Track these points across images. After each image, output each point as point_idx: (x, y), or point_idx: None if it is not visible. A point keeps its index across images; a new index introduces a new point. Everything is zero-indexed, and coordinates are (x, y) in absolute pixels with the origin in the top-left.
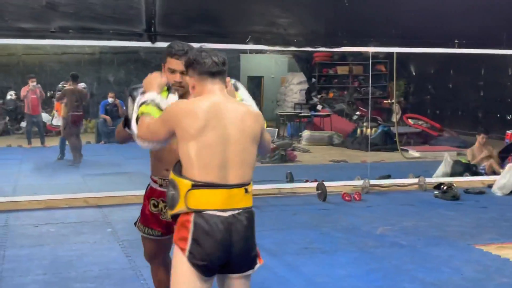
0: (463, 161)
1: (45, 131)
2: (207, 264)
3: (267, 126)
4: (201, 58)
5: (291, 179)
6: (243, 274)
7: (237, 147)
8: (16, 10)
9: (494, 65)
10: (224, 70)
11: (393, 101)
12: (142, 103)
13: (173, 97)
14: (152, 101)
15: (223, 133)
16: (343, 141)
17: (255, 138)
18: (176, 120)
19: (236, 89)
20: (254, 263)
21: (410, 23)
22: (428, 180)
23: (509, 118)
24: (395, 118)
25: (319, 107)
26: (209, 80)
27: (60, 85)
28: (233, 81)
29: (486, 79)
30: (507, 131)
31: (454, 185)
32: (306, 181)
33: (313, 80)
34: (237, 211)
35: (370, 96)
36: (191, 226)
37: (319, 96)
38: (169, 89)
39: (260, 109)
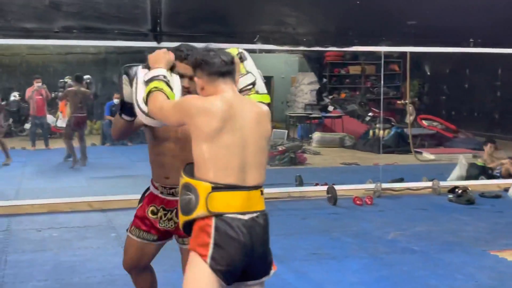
0: (479, 163)
1: (49, 133)
2: (231, 269)
3: (277, 128)
4: (209, 58)
5: (300, 183)
6: (259, 280)
7: (254, 149)
8: (19, 10)
9: (511, 64)
10: (233, 69)
11: (407, 101)
12: (152, 78)
13: (177, 78)
14: (163, 77)
15: (241, 134)
16: (354, 143)
17: (268, 138)
18: (190, 115)
19: (242, 59)
20: (270, 269)
21: (424, 21)
22: (442, 183)
23: None
24: (408, 119)
25: (330, 108)
26: (220, 80)
27: (61, 81)
28: (240, 49)
29: (503, 79)
30: None
31: (469, 188)
32: (316, 184)
33: (324, 80)
34: (255, 214)
35: (382, 97)
36: (212, 231)
37: (330, 97)
38: (172, 69)
39: (270, 110)
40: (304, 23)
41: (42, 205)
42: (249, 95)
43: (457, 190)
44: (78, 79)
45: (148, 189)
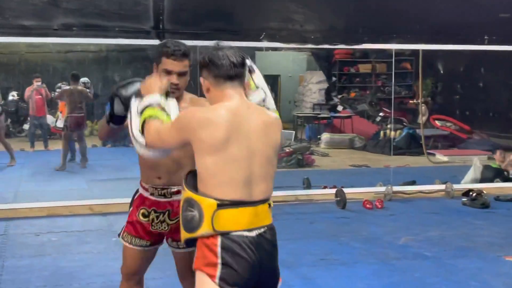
0: (494, 165)
1: (49, 133)
2: None
3: (284, 128)
4: (218, 59)
5: (308, 185)
6: None
7: (261, 159)
8: (17, 7)
9: None
10: (243, 72)
11: (419, 101)
12: (146, 107)
13: (173, 102)
14: (157, 104)
15: (248, 145)
16: (365, 144)
17: (277, 148)
18: (192, 130)
19: (250, 72)
20: (277, 283)
21: (436, 18)
22: (455, 186)
23: None
24: (421, 119)
25: (339, 108)
26: (227, 85)
27: (59, 84)
28: (248, 62)
29: None
30: None
31: (484, 192)
32: (324, 187)
33: (333, 79)
34: (262, 229)
35: (393, 96)
36: (218, 250)
37: (339, 96)
38: (167, 94)
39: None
40: (312, 19)
41: (41, 208)
42: None
43: (471, 193)
44: (74, 78)
45: (137, 192)
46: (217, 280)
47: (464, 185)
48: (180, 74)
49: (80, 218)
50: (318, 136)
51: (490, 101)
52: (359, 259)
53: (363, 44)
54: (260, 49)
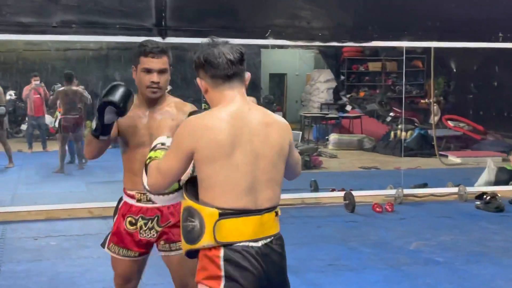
0: (509, 168)
1: (47, 134)
2: None
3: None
4: (214, 58)
5: (315, 188)
6: None
7: (265, 164)
8: (14, 4)
9: None
10: (242, 69)
11: (431, 100)
12: (151, 149)
13: None
14: (162, 144)
15: (251, 149)
16: (374, 145)
17: (282, 153)
18: (192, 140)
19: None
20: None
21: (449, 14)
22: (469, 189)
23: None
24: (433, 119)
25: (348, 107)
26: (226, 85)
27: (54, 86)
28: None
29: None
30: None
31: (498, 195)
32: (332, 190)
33: (342, 77)
34: (269, 239)
35: (404, 95)
36: (221, 262)
37: (348, 96)
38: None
39: (283, 109)
40: (319, 16)
41: (39, 211)
42: None
43: (485, 196)
44: (68, 78)
45: (120, 200)
46: None
47: (478, 188)
48: (160, 72)
49: (79, 221)
50: (326, 137)
51: (504, 100)
52: (368, 264)
53: (373, 42)
54: (266, 46)
